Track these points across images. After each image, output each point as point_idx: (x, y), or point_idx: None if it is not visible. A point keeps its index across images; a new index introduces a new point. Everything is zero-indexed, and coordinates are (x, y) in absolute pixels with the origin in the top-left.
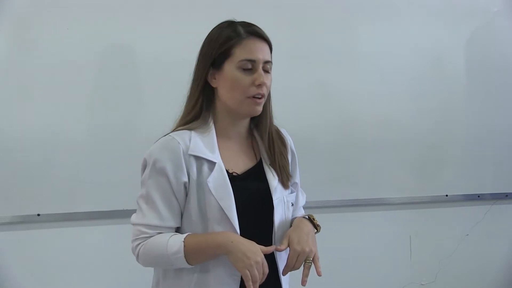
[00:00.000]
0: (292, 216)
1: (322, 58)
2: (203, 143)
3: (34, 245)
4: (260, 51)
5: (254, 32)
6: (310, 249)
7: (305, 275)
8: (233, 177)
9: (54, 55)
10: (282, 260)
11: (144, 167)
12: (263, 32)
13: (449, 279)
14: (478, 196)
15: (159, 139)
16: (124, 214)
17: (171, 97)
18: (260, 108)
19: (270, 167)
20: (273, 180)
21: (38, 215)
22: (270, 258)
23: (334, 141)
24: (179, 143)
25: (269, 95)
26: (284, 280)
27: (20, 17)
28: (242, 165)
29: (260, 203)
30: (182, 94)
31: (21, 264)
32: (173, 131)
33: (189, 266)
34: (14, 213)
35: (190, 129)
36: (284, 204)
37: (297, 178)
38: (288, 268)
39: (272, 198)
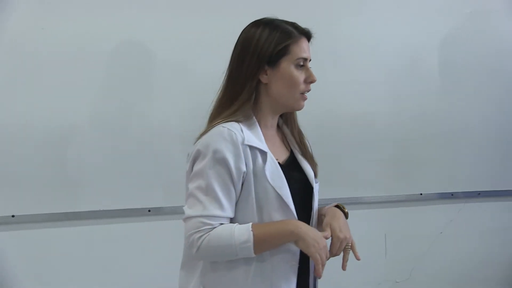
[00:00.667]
0: None
1: None
2: (252, 134)
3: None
4: (308, 50)
5: (305, 31)
6: (350, 236)
7: (345, 260)
8: (280, 166)
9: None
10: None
11: (196, 159)
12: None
13: (423, 277)
14: (452, 195)
15: (209, 130)
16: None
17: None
18: (304, 104)
19: (303, 157)
20: (309, 170)
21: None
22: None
23: (309, 140)
24: (235, 133)
25: None
26: (311, 269)
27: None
28: (281, 155)
29: (303, 191)
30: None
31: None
32: (220, 122)
33: (252, 256)
34: None
35: (237, 121)
36: (317, 193)
37: None
38: (331, 255)
39: (312, 187)
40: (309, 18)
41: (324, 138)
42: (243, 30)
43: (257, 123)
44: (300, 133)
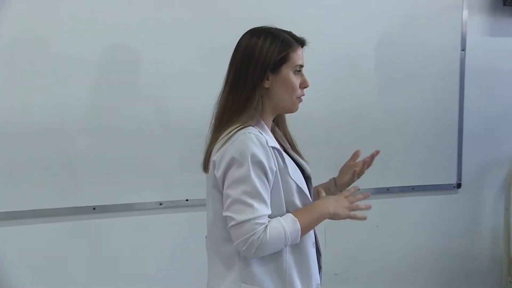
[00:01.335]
0: None
1: None
2: (267, 136)
3: None
4: (303, 57)
5: (300, 39)
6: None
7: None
8: None
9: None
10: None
11: (231, 166)
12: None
13: (361, 268)
14: (388, 189)
15: (230, 137)
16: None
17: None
18: (299, 106)
19: (293, 152)
20: (303, 162)
21: None
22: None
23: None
24: (262, 137)
25: None
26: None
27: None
28: None
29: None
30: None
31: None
32: (239, 128)
33: (297, 242)
34: None
35: (253, 126)
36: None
37: None
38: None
39: (310, 176)
40: (248, 17)
41: None
42: (243, 38)
43: (265, 126)
44: (289, 132)
